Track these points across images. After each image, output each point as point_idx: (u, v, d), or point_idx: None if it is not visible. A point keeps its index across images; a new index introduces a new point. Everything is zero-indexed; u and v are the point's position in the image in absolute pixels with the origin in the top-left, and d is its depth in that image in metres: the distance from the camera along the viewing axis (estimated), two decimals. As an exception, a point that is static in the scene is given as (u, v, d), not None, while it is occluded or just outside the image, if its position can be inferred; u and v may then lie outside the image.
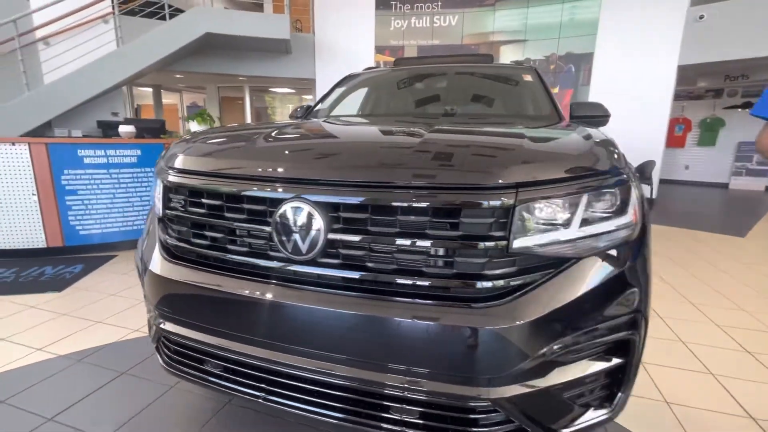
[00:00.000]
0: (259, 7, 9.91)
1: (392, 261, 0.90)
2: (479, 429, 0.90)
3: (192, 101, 11.81)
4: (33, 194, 3.07)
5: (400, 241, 0.88)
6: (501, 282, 0.86)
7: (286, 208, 0.93)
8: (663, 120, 6.10)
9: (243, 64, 7.50)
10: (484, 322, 0.82)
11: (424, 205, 0.85)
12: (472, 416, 0.89)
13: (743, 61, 5.83)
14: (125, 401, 1.51)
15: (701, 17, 5.61)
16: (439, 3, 7.28)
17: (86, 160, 3.15)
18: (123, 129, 3.36)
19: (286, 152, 1.06)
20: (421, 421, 0.91)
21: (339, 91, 2.46)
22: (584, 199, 0.91)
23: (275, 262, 0.98)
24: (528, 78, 2.28)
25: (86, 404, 1.49)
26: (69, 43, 5.75)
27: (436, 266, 0.88)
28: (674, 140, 9.38)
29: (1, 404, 1.49)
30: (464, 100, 2.28)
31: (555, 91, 6.90)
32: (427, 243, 0.86)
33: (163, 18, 6.37)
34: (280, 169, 0.97)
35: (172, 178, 1.12)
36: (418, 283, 0.88)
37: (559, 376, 0.89)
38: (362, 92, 2.61)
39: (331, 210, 0.92)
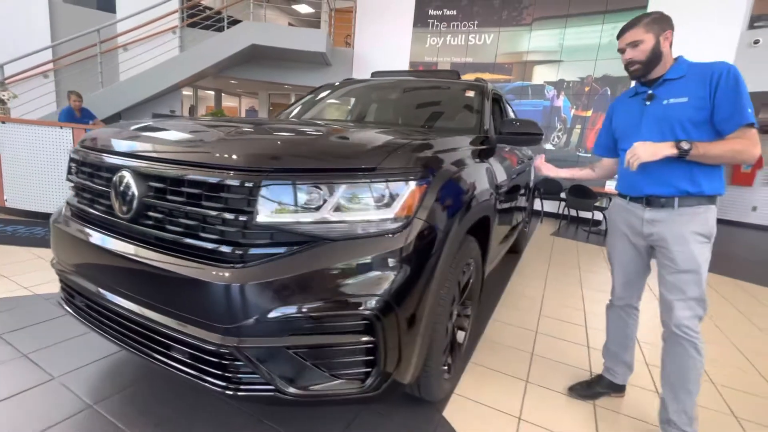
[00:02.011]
0: (316, 24, 10.76)
1: (179, 224, 1.10)
2: (231, 374, 1.05)
3: (251, 105, 13.00)
4: (71, 170, 3.72)
5: (185, 209, 1.08)
6: (247, 249, 1.02)
7: (117, 177, 1.18)
8: (705, 152, 5.54)
9: (287, 73, 8.17)
10: (223, 280, 0.98)
11: (197, 180, 1.05)
12: (218, 360, 1.05)
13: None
14: (60, 332, 1.86)
15: (756, 42, 5.08)
16: (476, 22, 7.36)
17: (114, 145, 3.75)
18: (148, 122, 3.95)
19: (129, 136, 1.30)
20: (188, 360, 1.09)
21: (312, 96, 2.74)
22: (339, 189, 1.04)
23: (115, 218, 1.23)
24: (470, 94, 2.36)
25: (33, 329, 1.87)
26: (141, 49, 6.77)
27: (202, 230, 1.06)
28: (740, 178, 8.37)
29: (-26, 320, 1.91)
30: (403, 110, 2.43)
31: (587, 114, 6.60)
32: (199, 211, 1.06)
33: (219, 29, 7.23)
34: (118, 147, 1.23)
35: (72, 152, 1.43)
36: (194, 243, 1.07)
37: (296, 339, 1.02)
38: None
39: (144, 180, 1.15)
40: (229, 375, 1.06)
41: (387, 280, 1.05)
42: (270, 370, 1.03)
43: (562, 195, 6.42)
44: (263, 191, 1.01)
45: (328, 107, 2.72)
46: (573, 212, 6.40)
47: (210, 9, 7.91)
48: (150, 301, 1.11)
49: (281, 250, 1.03)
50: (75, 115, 4.97)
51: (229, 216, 1.03)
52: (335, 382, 1.08)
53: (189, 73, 6.66)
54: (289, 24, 13.09)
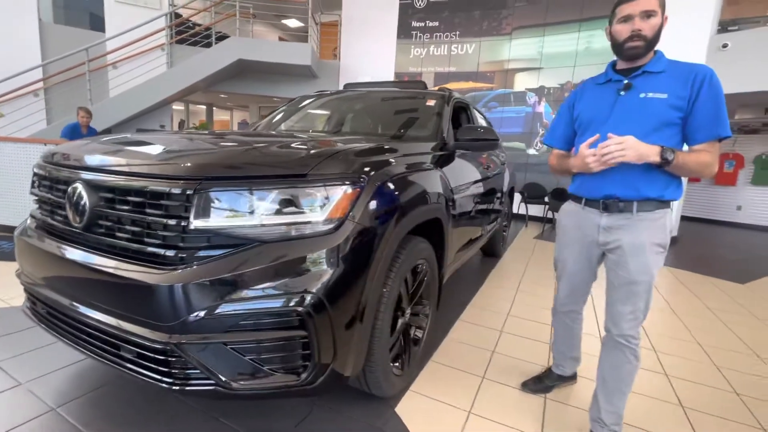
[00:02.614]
0: (306, 38, 10.98)
1: (125, 231, 1.18)
2: (177, 371, 1.12)
3: (243, 119, 13.16)
4: (55, 185, 3.80)
5: (129, 217, 1.16)
6: (187, 252, 1.10)
7: (71, 188, 1.26)
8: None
9: (275, 86, 8.31)
10: (162, 281, 1.06)
11: (140, 189, 1.14)
12: (165, 358, 1.12)
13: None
14: (33, 341, 1.92)
15: (725, 46, 5.24)
16: (458, 32, 7.54)
17: (98, 160, 3.84)
18: (131, 137, 4.05)
19: (83, 151, 1.39)
20: (138, 360, 1.16)
21: (286, 107, 2.85)
22: (270, 194, 1.12)
23: (70, 228, 1.31)
24: (431, 103, 2.46)
25: (6, 339, 1.93)
26: (131, 66, 6.91)
27: (146, 236, 1.14)
28: (724, 178, 8.49)
29: (-52, 332, 1.97)
30: (369, 119, 2.53)
31: (568, 119, 6.73)
32: (143, 218, 1.14)
33: (208, 45, 7.38)
34: (73, 161, 1.32)
35: (34, 167, 1.52)
36: (138, 247, 1.15)
37: (233, 335, 1.09)
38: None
39: (94, 190, 1.23)
40: (175, 371, 1.13)
41: (319, 278, 1.13)
42: (210, 366, 1.10)
43: (546, 199, 6.52)
44: (198, 198, 1.09)
45: (303, 117, 2.82)
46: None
47: (198, 25, 8.09)
48: (101, 304, 1.19)
49: (220, 252, 1.11)
50: (80, 132, 5.02)
51: (169, 222, 1.10)
52: (273, 375, 1.14)
53: (177, 89, 6.79)
54: (280, 38, 13.31)
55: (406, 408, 1.60)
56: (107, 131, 6.75)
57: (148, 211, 1.14)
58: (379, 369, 1.43)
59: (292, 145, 1.37)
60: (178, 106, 11.24)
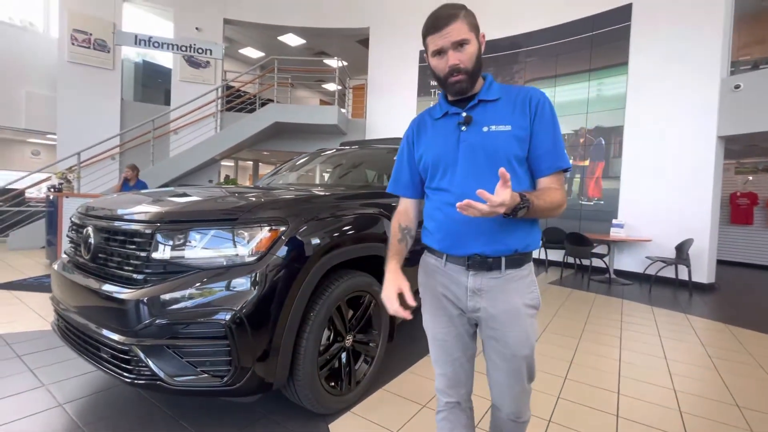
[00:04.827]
0: (342, 100, 12.21)
1: (112, 261, 1.62)
2: (131, 367, 1.47)
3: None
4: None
5: (115, 250, 1.60)
6: (149, 276, 1.49)
7: (85, 230, 1.75)
8: (706, 195, 5.44)
9: (309, 144, 9.24)
10: (126, 296, 1.45)
11: (122, 230, 1.58)
12: (129, 358, 1.48)
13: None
14: (64, 354, 2.39)
15: (737, 87, 5.16)
16: (473, 88, 8.06)
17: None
18: (173, 191, 4.83)
19: (98, 203, 1.90)
20: (111, 359, 1.54)
21: (292, 162, 3.39)
22: (208, 233, 1.51)
23: (83, 259, 1.78)
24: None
25: (45, 353, 2.42)
26: (188, 131, 8.18)
27: (127, 266, 1.56)
28: (779, 219, 7.77)
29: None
30: (348, 172, 2.96)
31: (585, 163, 6.76)
32: (122, 251, 1.57)
33: (251, 111, 8.56)
34: (89, 211, 1.83)
35: (71, 217, 2.07)
36: (119, 273, 1.57)
37: (173, 340, 1.43)
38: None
39: (97, 232, 1.70)
40: (136, 369, 1.47)
41: (241, 298, 1.46)
42: (155, 364, 1.44)
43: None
44: (157, 236, 1.50)
45: (298, 171, 3.32)
46: (577, 261, 6.32)
47: (246, 93, 9.44)
48: (92, 315, 1.60)
49: (164, 275, 1.49)
50: (128, 186, 6.07)
51: (139, 254, 1.52)
52: (202, 376, 1.45)
53: (222, 149, 7.88)
54: (321, 101, 14.84)
55: (338, 425, 1.80)
56: (165, 185, 7.89)
57: (127, 246, 1.57)
58: (306, 383, 1.67)
59: (238, 196, 1.79)
60: (228, 163, 12.73)
